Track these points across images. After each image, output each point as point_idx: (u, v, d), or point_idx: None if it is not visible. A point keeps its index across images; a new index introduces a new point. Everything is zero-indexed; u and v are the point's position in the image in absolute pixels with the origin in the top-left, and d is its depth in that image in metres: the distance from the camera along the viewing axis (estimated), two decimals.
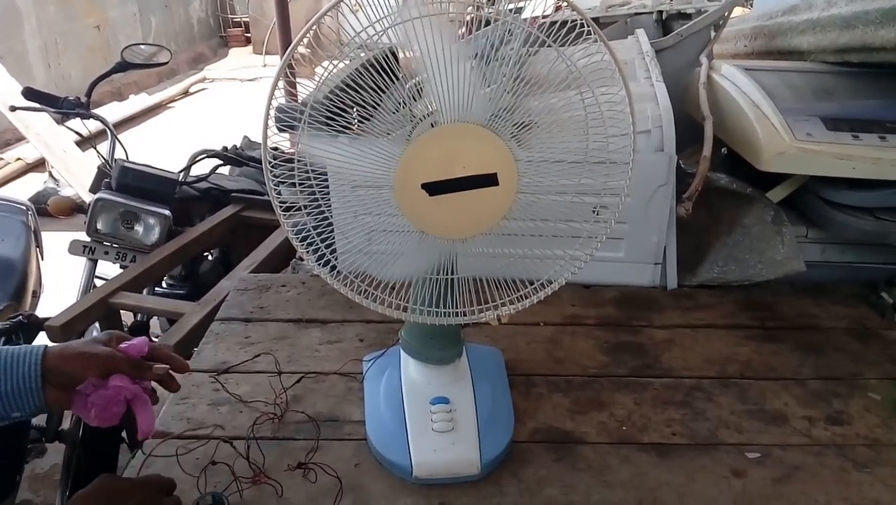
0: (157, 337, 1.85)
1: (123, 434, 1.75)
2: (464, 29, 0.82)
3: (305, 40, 0.74)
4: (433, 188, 0.75)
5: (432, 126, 0.75)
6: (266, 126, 0.77)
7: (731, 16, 1.78)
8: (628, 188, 0.82)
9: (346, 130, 0.80)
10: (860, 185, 1.24)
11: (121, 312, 1.59)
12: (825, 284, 1.36)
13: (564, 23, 0.73)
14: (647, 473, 0.91)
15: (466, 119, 0.75)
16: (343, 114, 0.77)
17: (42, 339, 1.48)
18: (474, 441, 0.90)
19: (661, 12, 1.96)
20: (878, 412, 1.02)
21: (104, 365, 0.75)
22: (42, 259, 2.12)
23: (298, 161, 0.80)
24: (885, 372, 1.11)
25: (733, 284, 1.32)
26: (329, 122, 0.78)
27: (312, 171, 0.81)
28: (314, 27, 0.73)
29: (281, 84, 0.77)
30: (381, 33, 0.73)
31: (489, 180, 0.76)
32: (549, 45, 0.74)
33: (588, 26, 0.73)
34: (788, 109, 1.28)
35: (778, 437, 0.97)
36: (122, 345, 0.79)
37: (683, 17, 1.88)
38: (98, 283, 1.84)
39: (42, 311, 1.74)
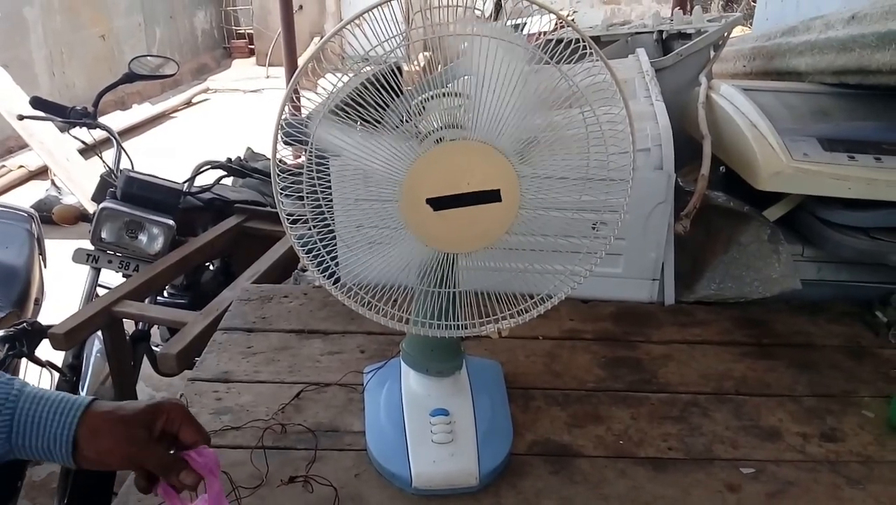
0: (157, 347, 1.87)
1: None
2: (466, 44, 0.84)
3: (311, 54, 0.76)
4: (438, 203, 0.77)
5: (438, 142, 0.77)
6: (276, 140, 0.79)
7: (731, 36, 1.81)
8: (627, 205, 0.84)
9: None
10: (856, 205, 1.26)
11: (123, 320, 1.60)
12: (820, 302, 1.37)
13: (568, 42, 0.75)
14: (643, 486, 0.92)
15: (470, 136, 0.77)
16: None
17: (45, 346, 1.49)
18: (473, 453, 0.91)
19: (661, 32, 1.98)
20: (871, 430, 1.03)
21: (134, 459, 0.70)
22: (45, 267, 2.14)
23: (306, 172, 0.82)
24: (878, 390, 1.12)
25: (730, 300, 1.34)
26: None
27: (319, 183, 0.83)
28: (326, 45, 0.75)
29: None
30: (389, 53, 0.75)
31: (492, 196, 0.78)
32: (551, 64, 0.76)
33: (590, 48, 0.75)
34: (786, 130, 1.30)
35: (772, 452, 0.98)
36: (196, 455, 0.73)
37: (683, 36, 1.90)
38: (100, 291, 1.86)
39: (44, 318, 1.76)
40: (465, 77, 0.81)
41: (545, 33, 0.81)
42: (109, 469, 0.72)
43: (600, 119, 0.79)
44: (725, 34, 1.74)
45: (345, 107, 0.78)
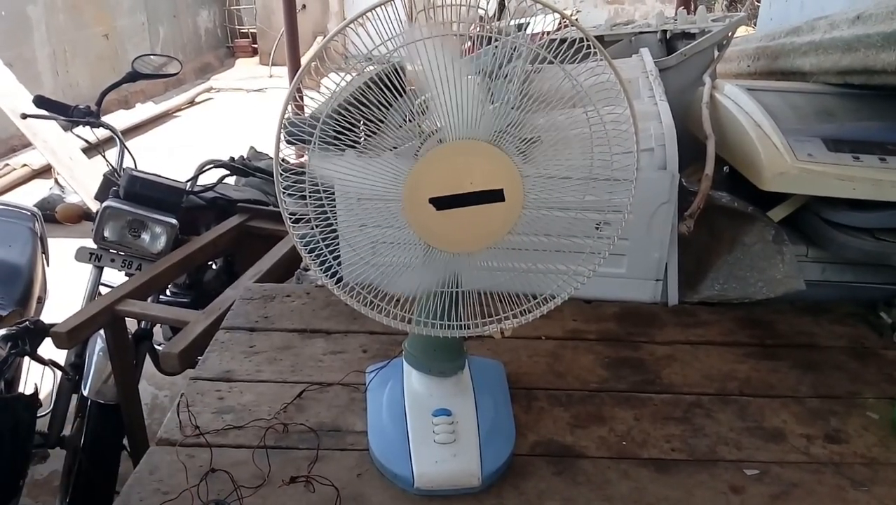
0: (160, 345, 1.87)
1: (125, 441, 1.75)
2: (468, 44, 0.83)
3: (314, 53, 0.76)
4: (441, 203, 0.77)
5: (440, 142, 0.77)
6: (279, 139, 0.79)
7: (735, 36, 1.80)
8: (631, 205, 0.83)
9: (355, 146, 0.81)
10: (860, 206, 1.25)
11: (126, 319, 1.60)
12: (824, 302, 1.37)
13: (572, 41, 0.75)
14: (646, 488, 0.91)
15: (473, 136, 0.77)
16: (352, 129, 0.79)
17: (48, 345, 1.49)
18: (476, 453, 0.91)
19: (665, 31, 1.98)
20: (875, 431, 1.03)
21: None
22: (48, 265, 2.14)
23: (308, 173, 0.82)
24: (882, 391, 1.12)
25: (733, 301, 1.33)
26: (338, 137, 0.80)
27: (321, 182, 0.82)
28: (328, 44, 0.75)
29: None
30: (391, 52, 0.74)
31: (496, 196, 0.77)
32: (555, 63, 0.76)
33: (594, 47, 0.75)
34: (790, 130, 1.30)
35: (776, 454, 0.98)
36: None
37: (687, 36, 1.89)
38: (103, 290, 1.86)
39: (46, 317, 1.76)
40: (470, 77, 0.81)
41: (548, 33, 0.81)
42: None
43: (604, 119, 0.79)
44: (729, 34, 1.73)
45: (348, 106, 0.78)
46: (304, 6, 8.46)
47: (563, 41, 0.76)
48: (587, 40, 0.74)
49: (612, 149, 0.80)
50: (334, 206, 0.85)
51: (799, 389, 1.12)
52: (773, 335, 1.27)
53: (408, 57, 0.75)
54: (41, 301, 2.01)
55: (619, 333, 1.27)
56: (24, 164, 4.97)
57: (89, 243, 1.85)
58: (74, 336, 1.44)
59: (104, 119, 2.08)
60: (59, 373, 1.74)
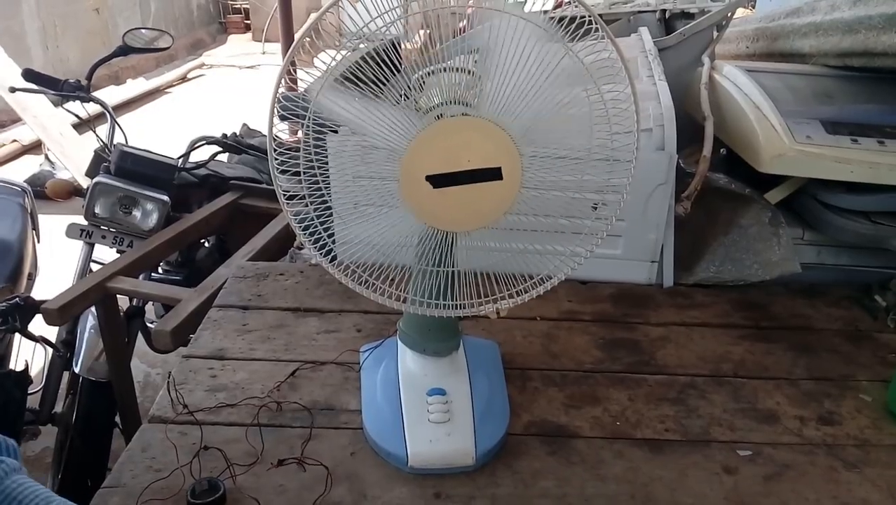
0: (152, 323, 1.86)
1: (117, 419, 1.75)
2: (465, 22, 0.82)
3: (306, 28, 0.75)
4: (438, 181, 0.76)
5: (438, 118, 0.75)
6: (272, 115, 0.77)
7: (734, 17, 1.78)
8: (630, 186, 0.83)
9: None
10: (858, 189, 1.25)
11: (117, 296, 1.59)
12: (819, 285, 1.37)
13: (572, 18, 0.74)
14: (640, 467, 0.91)
15: (471, 112, 0.75)
16: None
17: (38, 322, 1.48)
18: (470, 432, 0.90)
19: (664, 11, 1.96)
20: (868, 413, 1.03)
21: None
22: (38, 241, 2.12)
23: (303, 148, 0.81)
24: (876, 374, 1.12)
25: (729, 283, 1.33)
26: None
27: (317, 159, 0.81)
28: (320, 20, 0.73)
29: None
30: (387, 25, 0.73)
31: (493, 174, 0.76)
32: (556, 42, 0.74)
33: (596, 23, 0.73)
34: (789, 112, 1.29)
35: (769, 435, 0.98)
36: None
37: (686, 16, 1.88)
38: (94, 267, 1.84)
39: (37, 294, 1.74)
40: (467, 53, 0.79)
41: (547, 12, 0.80)
42: None
43: (604, 97, 0.77)
44: (729, 14, 1.72)
45: (344, 81, 0.77)
46: None
47: (562, 18, 0.74)
48: (589, 16, 0.73)
49: (611, 128, 0.79)
50: (329, 184, 0.84)
51: (793, 371, 1.12)
52: (768, 317, 1.27)
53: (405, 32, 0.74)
54: (31, 277, 1.99)
55: (614, 314, 1.27)
56: (14, 140, 4.92)
57: (80, 220, 1.83)
58: (65, 313, 1.43)
59: (94, 94, 2.05)
60: (50, 349, 1.73)
